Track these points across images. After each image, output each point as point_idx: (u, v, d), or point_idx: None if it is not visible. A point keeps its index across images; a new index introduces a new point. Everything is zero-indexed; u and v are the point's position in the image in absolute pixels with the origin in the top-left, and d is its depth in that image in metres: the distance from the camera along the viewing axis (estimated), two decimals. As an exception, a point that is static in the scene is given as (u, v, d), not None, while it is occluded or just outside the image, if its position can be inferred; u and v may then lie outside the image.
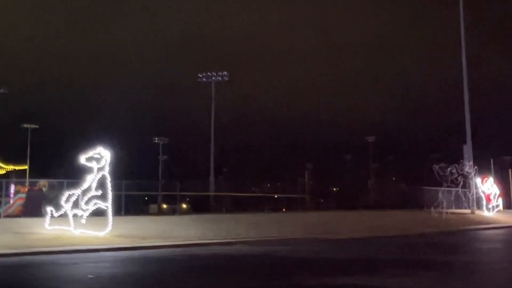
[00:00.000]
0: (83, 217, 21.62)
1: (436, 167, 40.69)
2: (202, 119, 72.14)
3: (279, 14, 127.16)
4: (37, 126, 66.72)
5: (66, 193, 21.97)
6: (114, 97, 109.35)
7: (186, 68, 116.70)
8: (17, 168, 56.00)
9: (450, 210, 40.37)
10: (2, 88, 60.21)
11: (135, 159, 67.48)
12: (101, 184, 21.65)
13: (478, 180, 44.71)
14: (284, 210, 56.29)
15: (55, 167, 52.97)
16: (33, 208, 31.50)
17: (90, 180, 21.64)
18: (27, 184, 41.30)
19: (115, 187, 26.81)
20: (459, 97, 49.96)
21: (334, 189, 76.22)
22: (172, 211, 45.85)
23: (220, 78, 65.19)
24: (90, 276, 13.43)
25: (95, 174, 21.65)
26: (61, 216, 22.05)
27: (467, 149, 46.63)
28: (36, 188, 37.32)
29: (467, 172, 43.15)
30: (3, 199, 35.53)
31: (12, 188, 39.10)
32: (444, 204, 39.89)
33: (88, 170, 21.82)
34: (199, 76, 65.80)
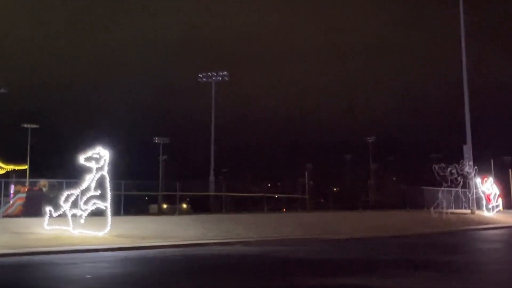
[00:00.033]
0: (82, 217, 21.59)
1: (435, 167, 40.64)
2: (202, 119, 72.19)
3: (279, 14, 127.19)
4: (37, 126, 66.65)
5: (65, 193, 21.94)
6: (114, 97, 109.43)
7: (186, 68, 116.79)
8: (17, 168, 55.91)
9: (450, 210, 40.33)
10: (2, 88, 60.12)
11: (135, 159, 67.50)
12: (100, 184, 21.62)
13: (478, 180, 44.69)
14: (284, 210, 56.26)
15: (55, 167, 52.96)
16: (33, 208, 31.45)
17: (89, 180, 21.61)
18: (27, 184, 41.23)
19: (115, 187, 26.80)
20: (459, 97, 49.96)
21: (334, 189, 76.15)
22: (172, 211, 45.77)
23: (220, 78, 65.16)
24: (88, 276, 13.39)
25: (94, 174, 21.62)
26: (60, 216, 22.03)
27: (467, 149, 46.61)
28: (36, 188, 37.27)
29: (467, 172, 43.12)
30: (3, 199, 35.45)
31: (12, 188, 39.04)
32: (444, 204, 39.85)
33: (88, 170, 21.79)
34: (199, 76, 65.78)
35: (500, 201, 46.72)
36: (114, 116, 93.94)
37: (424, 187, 46.69)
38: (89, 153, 21.65)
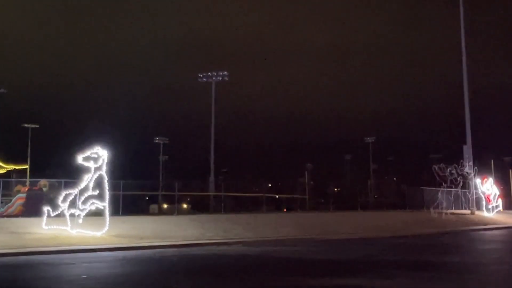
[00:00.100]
0: (80, 217, 21.55)
1: (435, 167, 40.61)
2: (202, 119, 72.12)
3: (279, 14, 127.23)
4: (38, 126, 66.67)
5: (63, 193, 21.90)
6: (114, 97, 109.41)
7: (186, 68, 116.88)
8: (17, 167, 55.96)
9: (449, 211, 40.28)
10: (2, 88, 60.13)
11: (135, 159, 67.57)
12: (99, 184, 21.58)
13: (478, 180, 44.64)
14: (285, 210, 56.23)
15: (55, 167, 52.95)
16: (33, 208, 31.39)
17: (87, 180, 21.57)
18: (27, 183, 41.17)
19: (114, 187, 26.74)
20: (459, 97, 49.91)
21: (335, 189, 76.15)
22: (172, 211, 45.73)
23: (220, 78, 65.03)
24: (84, 276, 13.35)
25: (92, 173, 21.58)
26: (58, 215, 21.99)
27: (467, 150, 46.53)
28: (36, 187, 37.19)
29: (467, 172, 43.08)
30: (1, 198, 35.40)
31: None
32: (444, 205, 39.79)
33: (87, 169, 21.76)
34: (199, 76, 65.64)
35: (500, 201, 46.67)
36: (114, 116, 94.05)
37: (424, 188, 46.62)
38: (87, 152, 21.62)
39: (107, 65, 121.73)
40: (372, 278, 12.59)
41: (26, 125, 65.36)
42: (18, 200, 35.03)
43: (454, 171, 41.05)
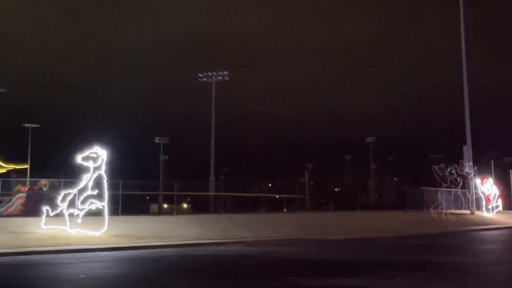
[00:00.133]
0: (79, 216, 21.52)
1: (435, 167, 40.56)
2: (202, 119, 72.14)
3: (279, 14, 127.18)
4: (38, 126, 66.66)
5: (62, 193, 21.87)
6: (115, 97, 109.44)
7: (186, 68, 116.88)
8: (17, 167, 55.89)
9: (449, 211, 40.23)
10: (2, 88, 60.10)
11: (135, 159, 67.55)
12: (98, 184, 21.55)
13: (477, 180, 44.58)
14: (285, 210, 56.15)
15: (55, 167, 52.89)
16: (33, 207, 31.35)
17: (86, 180, 21.54)
18: (27, 183, 41.13)
19: (113, 187, 26.71)
20: (459, 97, 49.85)
21: (335, 189, 76.14)
22: (172, 211, 45.70)
23: (220, 78, 64.97)
24: (82, 276, 13.31)
25: (92, 173, 21.55)
26: (57, 215, 21.95)
27: (467, 150, 46.46)
28: (37, 187, 37.15)
29: (467, 172, 43.02)
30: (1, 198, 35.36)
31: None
32: (444, 205, 39.75)
33: (86, 169, 21.73)
34: (200, 76, 65.58)
35: (500, 201, 46.62)
36: (114, 116, 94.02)
37: (424, 188, 46.56)
38: (87, 152, 21.60)
39: (107, 65, 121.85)
40: (372, 278, 12.56)
41: (26, 125, 65.37)
42: (18, 199, 34.97)
43: (454, 171, 40.99)
